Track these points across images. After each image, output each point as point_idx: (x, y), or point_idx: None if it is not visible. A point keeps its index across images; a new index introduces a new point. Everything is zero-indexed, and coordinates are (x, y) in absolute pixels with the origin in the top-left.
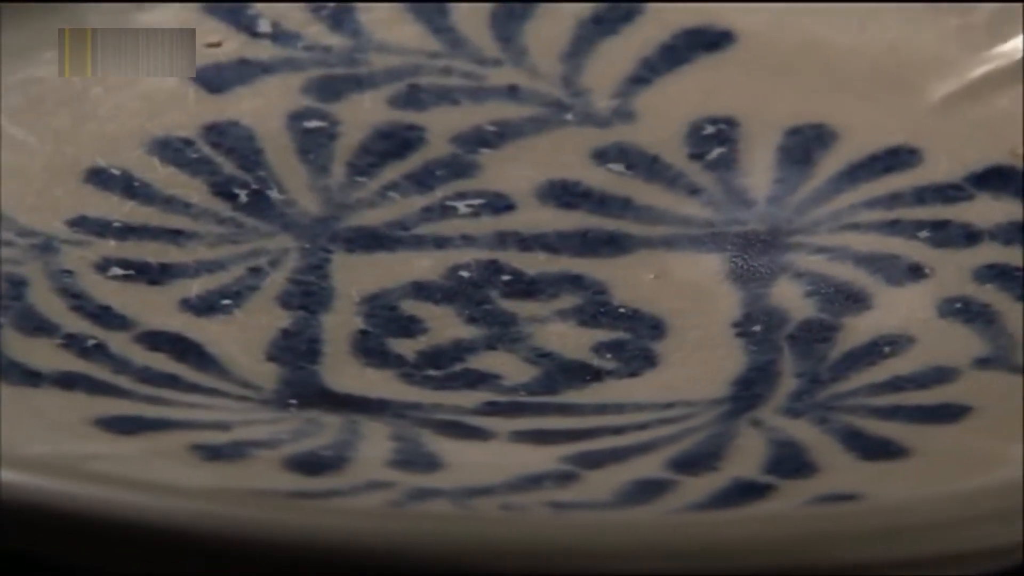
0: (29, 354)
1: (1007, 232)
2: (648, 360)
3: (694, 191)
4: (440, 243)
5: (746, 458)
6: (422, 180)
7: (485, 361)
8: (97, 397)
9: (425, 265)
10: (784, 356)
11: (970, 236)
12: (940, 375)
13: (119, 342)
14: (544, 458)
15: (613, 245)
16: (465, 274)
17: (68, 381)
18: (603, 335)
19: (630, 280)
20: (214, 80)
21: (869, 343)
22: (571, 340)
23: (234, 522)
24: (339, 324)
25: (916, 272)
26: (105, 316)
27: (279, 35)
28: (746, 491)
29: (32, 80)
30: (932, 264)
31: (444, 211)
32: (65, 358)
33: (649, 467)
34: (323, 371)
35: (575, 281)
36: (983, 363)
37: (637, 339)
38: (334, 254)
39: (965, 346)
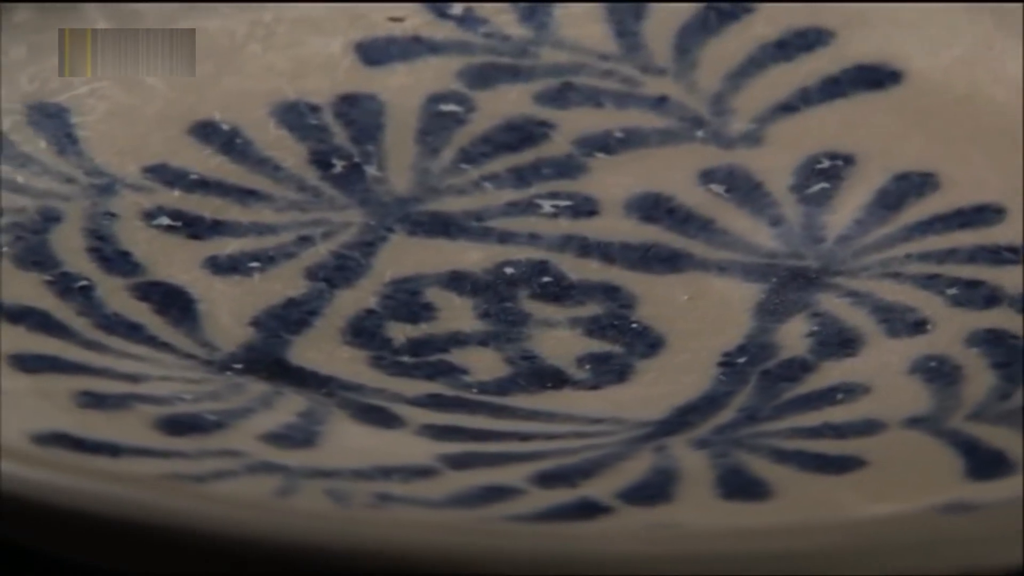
0: (5, 285)
1: None
2: (620, 376)
3: (776, 222)
4: (504, 238)
5: (613, 480)
6: (524, 176)
7: (465, 356)
8: (36, 334)
9: (475, 257)
10: (744, 390)
11: (991, 299)
12: (866, 428)
13: (109, 288)
14: (424, 452)
15: (668, 263)
16: (509, 271)
17: (19, 315)
18: (598, 347)
19: (662, 298)
20: (376, 53)
21: (828, 389)
22: (564, 347)
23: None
24: (350, 301)
25: (918, 327)
26: (117, 261)
27: (466, 19)
28: (581, 509)
29: (195, 29)
30: (938, 321)
31: (527, 208)
32: (39, 293)
33: (511, 475)
34: (295, 343)
35: (609, 292)
36: (913, 422)
37: (627, 355)
38: (394, 235)
39: (910, 403)
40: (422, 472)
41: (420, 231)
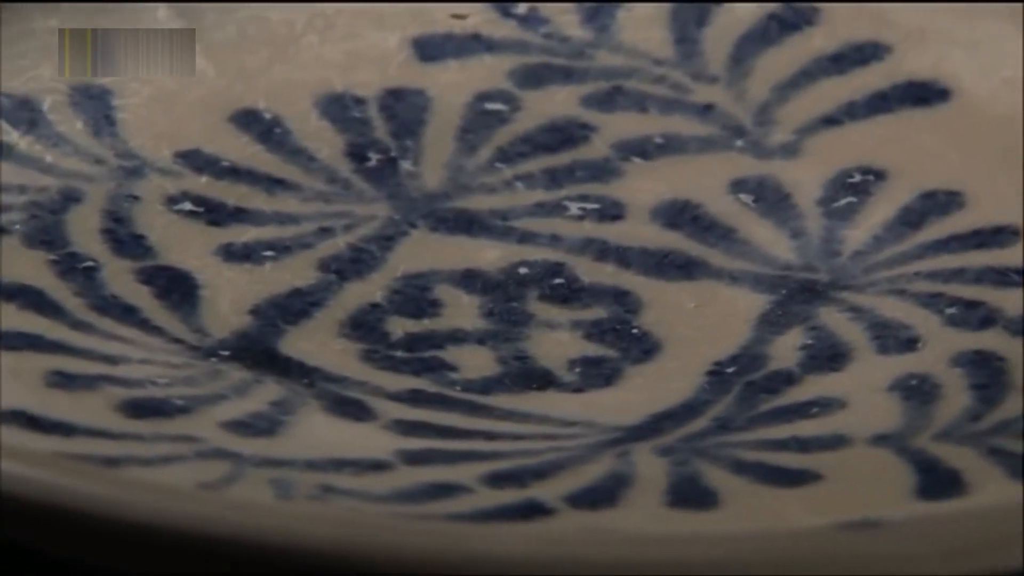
0: (6, 262)
1: (1021, 324)
2: (607, 380)
3: (797, 234)
4: (524, 238)
5: (564, 483)
6: (557, 177)
7: (459, 353)
8: (25, 312)
9: (492, 256)
10: (724, 400)
11: (986, 320)
12: (831, 443)
13: (115, 270)
14: (384, 447)
15: (683, 270)
16: (523, 271)
17: (14, 293)
18: (593, 350)
19: (669, 305)
20: (431, 49)
21: (805, 402)
22: (560, 349)
23: None
24: (356, 294)
25: (909, 344)
26: (129, 244)
27: (529, 18)
28: (522, 510)
29: (256, 18)
30: (930, 339)
31: (554, 209)
32: (40, 272)
33: (464, 473)
34: (290, 332)
35: (618, 296)
36: (880, 439)
37: (620, 359)
38: (416, 230)
39: (881, 420)
40: (376, 466)
41: (442, 228)
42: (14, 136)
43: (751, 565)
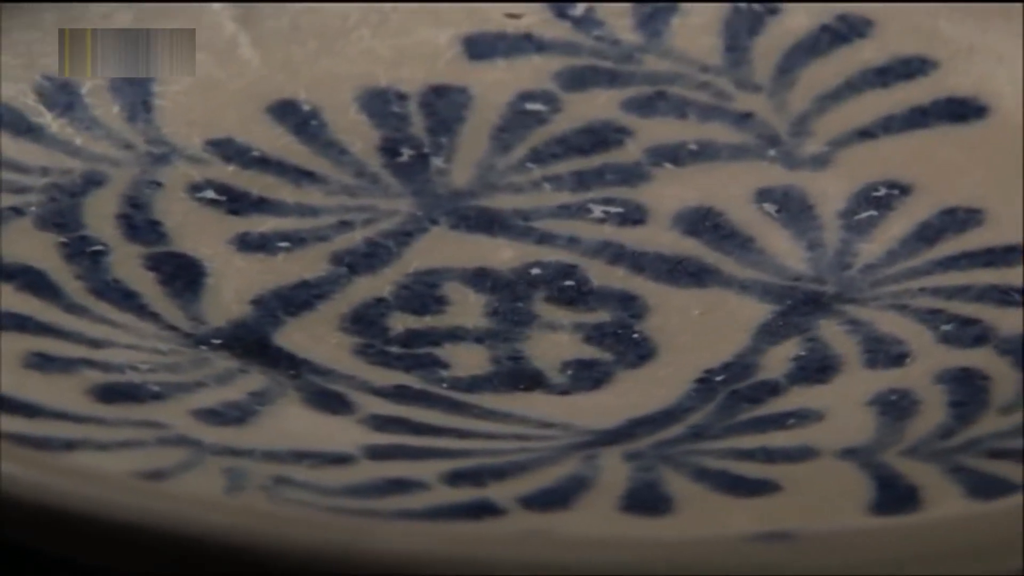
0: (14, 243)
1: (1016, 343)
2: (595, 383)
3: (813, 246)
4: (543, 239)
5: (522, 484)
6: (585, 179)
7: (454, 351)
8: (21, 293)
9: (506, 256)
10: (705, 408)
11: (979, 339)
12: (798, 454)
13: (123, 255)
14: (352, 440)
15: (694, 278)
16: (535, 271)
17: (14, 273)
18: (589, 353)
19: (675, 311)
20: (481, 47)
21: (783, 413)
22: (556, 351)
23: None
24: (364, 288)
25: (898, 360)
26: (143, 229)
27: (584, 20)
28: (471, 509)
29: (311, 10)
30: (919, 355)
31: (577, 211)
32: (45, 254)
33: (425, 470)
34: (288, 324)
35: (625, 301)
36: (848, 453)
37: (613, 364)
38: (436, 227)
39: (853, 434)
40: (337, 459)
41: (463, 225)
42: (47, 118)
43: (655, 570)
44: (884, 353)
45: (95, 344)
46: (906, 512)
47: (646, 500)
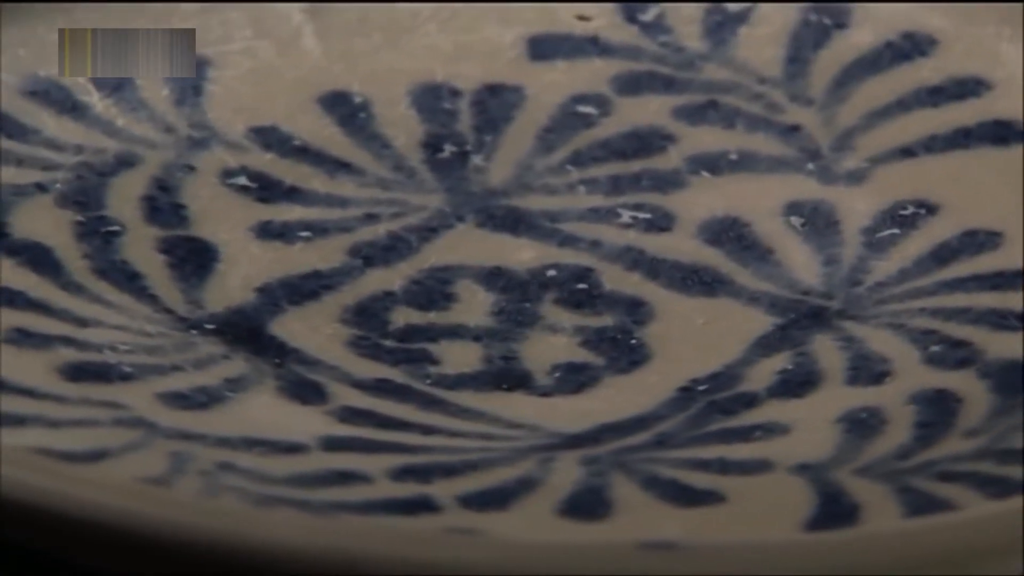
0: (29, 219)
1: (998, 366)
2: (578, 387)
3: (830, 261)
4: (566, 241)
5: (468, 483)
6: (621, 184)
7: (448, 348)
8: (22, 269)
9: (526, 256)
10: (677, 417)
11: (964, 361)
12: (753, 467)
13: (138, 236)
14: (312, 431)
15: (706, 287)
16: (551, 273)
17: (20, 249)
18: (582, 357)
19: (679, 319)
20: (544, 48)
21: (752, 426)
22: (550, 353)
23: None
24: (375, 281)
25: (878, 378)
26: (165, 212)
27: (651, 26)
28: (409, 505)
29: (383, 5)
30: (900, 375)
31: (606, 215)
32: (57, 231)
33: (375, 464)
34: (289, 313)
35: (632, 307)
36: (801, 468)
37: (603, 368)
38: (462, 224)
39: (813, 450)
40: (290, 448)
41: (489, 224)
42: (94, 98)
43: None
44: (867, 371)
45: (81, 323)
46: (839, 528)
47: (586, 505)
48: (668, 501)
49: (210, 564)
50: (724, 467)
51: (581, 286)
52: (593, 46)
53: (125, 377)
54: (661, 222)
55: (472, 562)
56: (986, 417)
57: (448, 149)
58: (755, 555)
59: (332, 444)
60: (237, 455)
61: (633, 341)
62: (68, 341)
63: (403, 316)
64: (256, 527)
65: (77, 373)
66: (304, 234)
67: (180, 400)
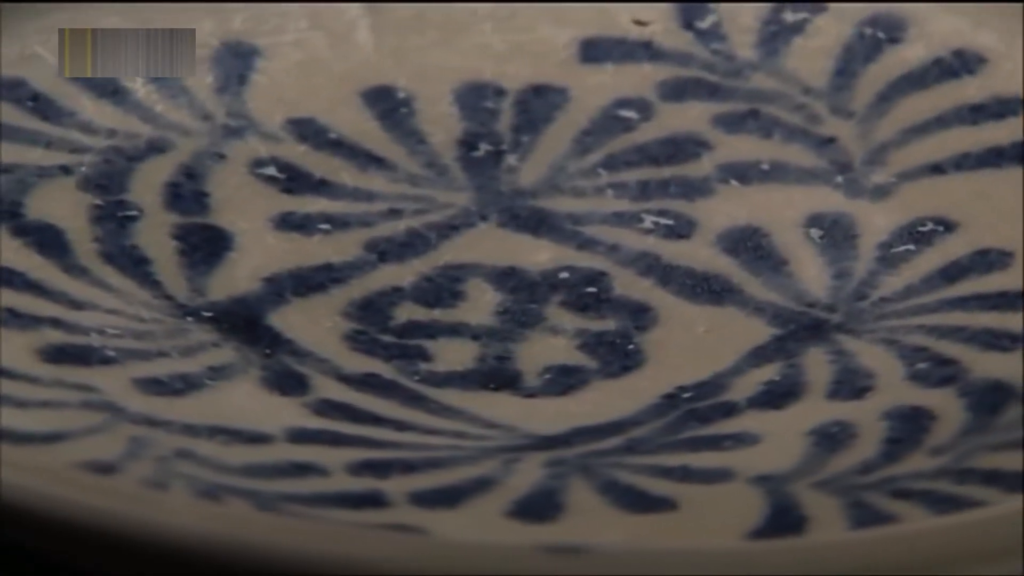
0: (46, 201)
1: (979, 385)
2: (565, 389)
3: (841, 275)
4: (584, 244)
5: (424, 481)
6: (649, 189)
7: (445, 346)
8: (27, 250)
9: (542, 258)
10: (654, 423)
11: (946, 379)
12: (714, 476)
13: (155, 222)
14: (282, 422)
15: (715, 296)
16: (564, 275)
17: (29, 229)
18: (576, 360)
19: (681, 326)
20: (597, 51)
21: (725, 435)
22: (545, 355)
23: None
24: (387, 276)
25: (859, 393)
26: (187, 199)
27: (707, 34)
28: (358, 500)
29: (440, 6)
30: (881, 390)
31: (629, 220)
32: (74, 214)
33: (335, 457)
34: (291, 304)
35: (637, 312)
36: (761, 479)
37: (594, 372)
38: (485, 223)
39: (777, 461)
40: (255, 439)
41: (511, 224)
42: (138, 83)
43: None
44: (850, 385)
45: (75, 305)
46: (787, 536)
47: (537, 507)
48: (619, 507)
49: (109, 548)
50: (685, 475)
51: (590, 289)
52: (645, 51)
53: (106, 361)
54: (682, 229)
55: (364, 556)
56: (956, 435)
57: (483, 148)
58: (659, 559)
59: (299, 436)
60: (198, 443)
61: (631, 346)
62: (56, 323)
63: (407, 312)
64: (156, 513)
65: (57, 355)
66: (323, 227)
67: (155, 386)
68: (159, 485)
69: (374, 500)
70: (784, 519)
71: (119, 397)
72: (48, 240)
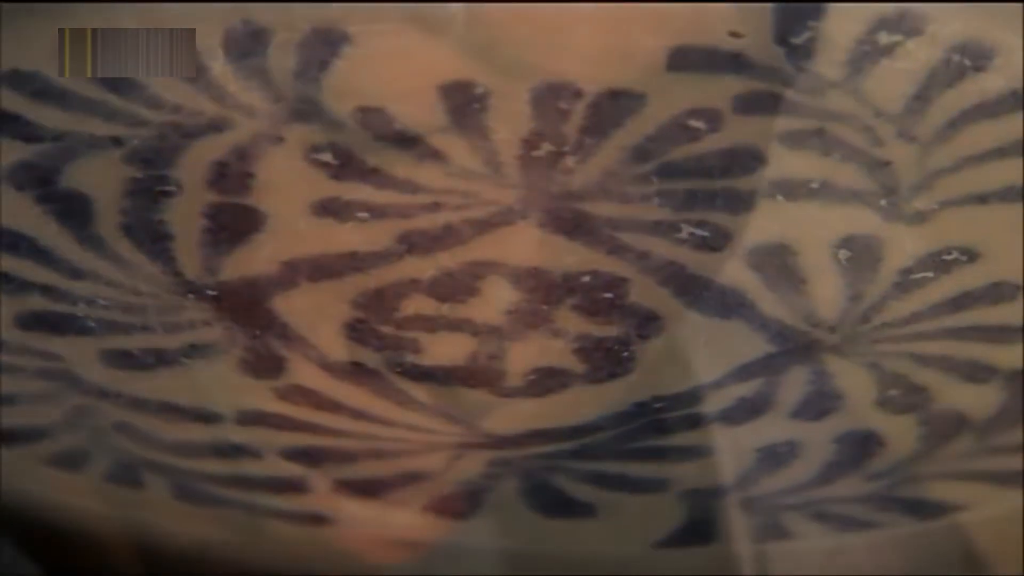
0: (83, 170)
1: (939, 415)
2: (543, 391)
3: (855, 297)
4: (615, 250)
5: (357, 470)
6: (695, 200)
7: (441, 341)
8: (46, 216)
9: (570, 260)
10: (614, 430)
11: (911, 407)
12: (648, 486)
13: (191, 198)
14: (238, 404)
15: (728, 310)
16: (585, 279)
17: (59, 198)
18: (566, 364)
19: (684, 337)
20: (685, 59)
21: (678, 447)
22: (541, 356)
23: None
24: (408, 268)
25: (822, 414)
26: (230, 179)
27: (798, 50)
28: (278, 483)
29: (544, 6)
30: (844, 413)
31: (667, 229)
32: (109, 186)
33: (274, 440)
34: (301, 288)
35: (646, 320)
36: (692, 492)
37: (579, 377)
38: (522, 222)
39: (717, 475)
40: (203, 418)
41: (549, 225)
42: (218, 62)
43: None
44: (817, 406)
45: (74, 274)
46: (689, 546)
47: (458, 503)
48: (538, 510)
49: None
50: (620, 483)
51: (606, 295)
52: (733, 63)
53: (83, 331)
54: (715, 241)
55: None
56: (898, 462)
57: (545, 148)
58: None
59: (249, 419)
60: (141, 418)
61: (625, 354)
62: (47, 290)
63: (415, 305)
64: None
65: (34, 322)
66: (361, 215)
67: (123, 359)
68: (83, 455)
69: (296, 486)
70: (695, 529)
71: (79, 367)
72: (73, 209)
